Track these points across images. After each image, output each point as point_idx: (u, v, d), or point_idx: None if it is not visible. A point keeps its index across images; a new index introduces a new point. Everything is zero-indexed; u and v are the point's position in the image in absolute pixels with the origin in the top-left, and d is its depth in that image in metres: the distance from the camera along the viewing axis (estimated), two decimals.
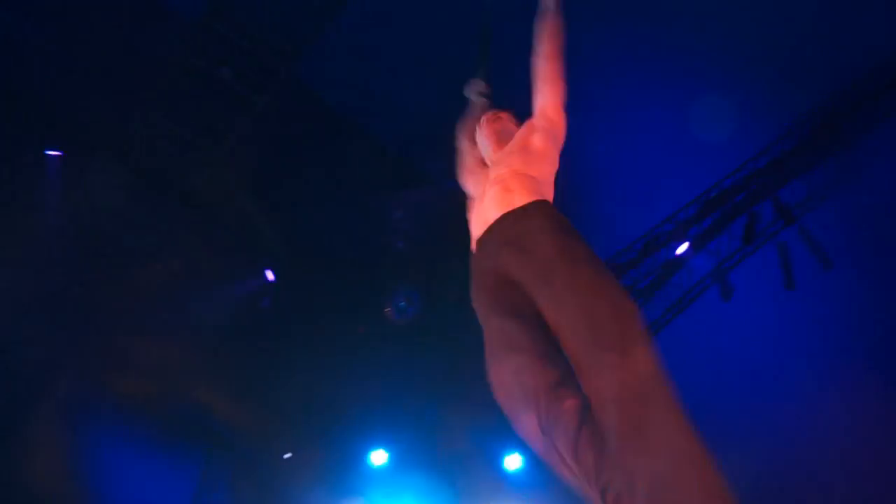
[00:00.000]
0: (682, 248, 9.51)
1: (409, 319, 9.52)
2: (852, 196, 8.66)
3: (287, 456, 9.49)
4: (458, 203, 9.72)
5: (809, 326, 8.67)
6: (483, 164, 3.91)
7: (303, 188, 8.95)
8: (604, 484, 2.48)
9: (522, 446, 9.16)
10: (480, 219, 3.41)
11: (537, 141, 3.54)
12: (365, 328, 9.65)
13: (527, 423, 2.84)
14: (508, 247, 3.13)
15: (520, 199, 3.28)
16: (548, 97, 3.61)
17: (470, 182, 3.94)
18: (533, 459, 9.16)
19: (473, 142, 4.02)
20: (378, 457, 9.49)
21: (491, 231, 3.30)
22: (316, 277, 9.66)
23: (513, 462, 9.20)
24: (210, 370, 8.97)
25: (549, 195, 3.41)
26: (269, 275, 9.67)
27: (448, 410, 9.46)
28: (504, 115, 3.89)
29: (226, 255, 9.24)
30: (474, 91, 4.21)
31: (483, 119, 3.92)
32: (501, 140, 3.77)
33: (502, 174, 3.46)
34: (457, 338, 9.72)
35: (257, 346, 9.24)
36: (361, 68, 8.40)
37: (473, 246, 3.46)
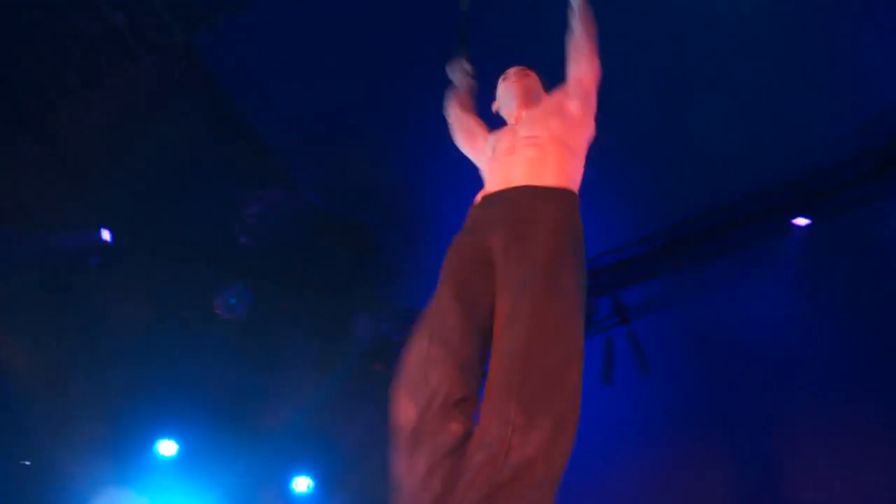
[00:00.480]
0: None
1: (236, 317, 9.26)
2: (682, 313, 9.13)
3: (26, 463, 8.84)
4: (314, 217, 9.65)
5: (620, 420, 8.99)
6: (481, 126, 3.84)
7: (162, 157, 8.59)
8: None
9: (314, 470, 9.08)
10: (501, 175, 3.22)
11: (575, 107, 3.38)
12: (188, 315, 9.31)
13: (406, 408, 2.73)
14: (508, 226, 2.91)
15: (551, 177, 3.05)
16: (585, 68, 3.46)
17: (469, 142, 3.86)
18: (323, 485, 9.03)
19: (464, 110, 3.97)
20: (167, 447, 9.10)
21: (505, 195, 3.08)
22: (152, 250, 9.26)
23: (301, 484, 9.03)
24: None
25: (578, 176, 3.21)
26: (106, 234, 9.19)
27: (250, 419, 9.23)
28: (532, 73, 3.73)
29: (61, 200, 8.69)
30: (457, 70, 4.10)
31: (511, 73, 3.72)
32: (529, 98, 3.62)
33: (539, 136, 3.25)
34: (279, 348, 9.55)
35: (68, 302, 8.71)
36: (263, 59, 8.23)
37: (478, 199, 3.29)
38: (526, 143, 3.27)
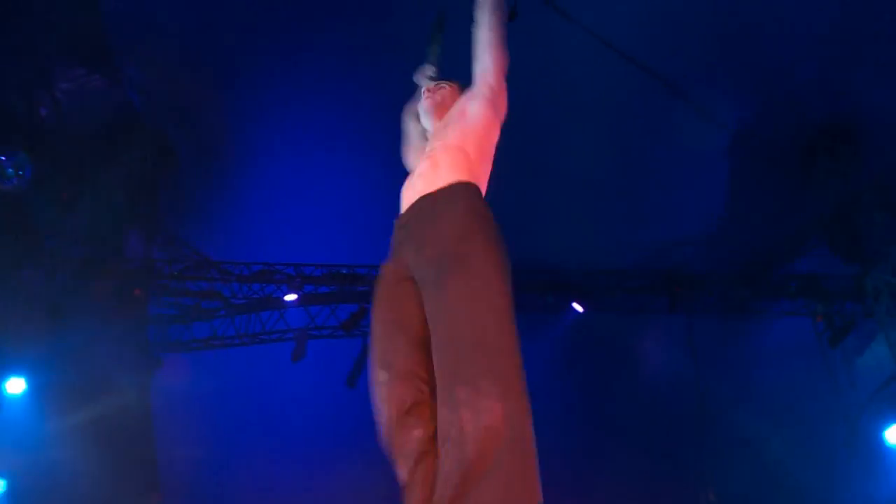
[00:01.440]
0: (291, 297, 9.73)
1: (6, 189, 8.50)
2: None
3: None
4: (126, 117, 9.12)
5: (359, 422, 9.17)
6: (425, 139, 3.64)
7: None
8: None
9: (27, 370, 8.44)
10: (406, 196, 3.16)
11: (474, 108, 3.27)
12: None
13: (381, 434, 2.80)
14: (414, 238, 2.94)
15: (443, 179, 3.03)
16: (488, 63, 3.33)
17: (411, 158, 3.69)
18: (37, 390, 8.46)
19: (418, 120, 3.73)
20: None
21: (409, 213, 3.06)
22: None
23: (14, 385, 8.38)
24: None
25: (482, 173, 3.16)
26: None
27: None
28: (447, 85, 3.59)
29: None
30: (424, 76, 3.76)
31: (424, 90, 3.59)
32: (439, 111, 3.51)
33: (434, 148, 3.22)
34: (40, 235, 8.91)
35: None
36: None
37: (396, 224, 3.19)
38: (424, 159, 3.29)
